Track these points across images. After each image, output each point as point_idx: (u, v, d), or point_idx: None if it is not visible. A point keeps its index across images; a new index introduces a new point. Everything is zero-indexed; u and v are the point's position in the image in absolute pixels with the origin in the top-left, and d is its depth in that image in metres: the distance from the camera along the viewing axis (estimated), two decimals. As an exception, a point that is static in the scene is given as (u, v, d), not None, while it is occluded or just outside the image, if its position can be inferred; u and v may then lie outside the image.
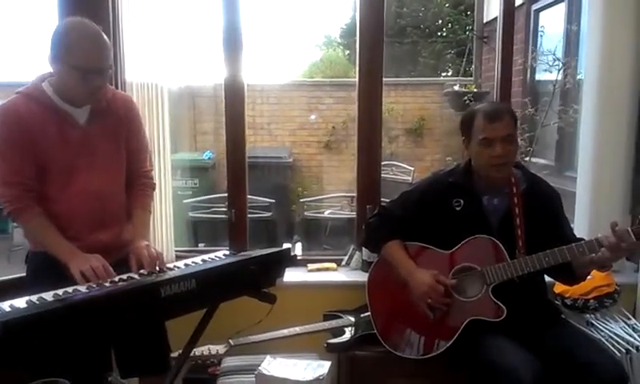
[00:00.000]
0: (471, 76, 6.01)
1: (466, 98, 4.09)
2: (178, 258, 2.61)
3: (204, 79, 6.13)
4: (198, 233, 4.37)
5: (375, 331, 2.09)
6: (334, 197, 5.35)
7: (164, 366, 1.93)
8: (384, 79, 2.58)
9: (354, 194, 2.75)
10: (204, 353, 2.00)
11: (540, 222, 1.93)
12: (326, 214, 4.98)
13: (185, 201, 4.62)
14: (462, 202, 1.99)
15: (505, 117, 1.88)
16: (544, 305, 2.03)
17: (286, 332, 2.07)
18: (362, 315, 2.20)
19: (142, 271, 1.68)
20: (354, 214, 2.82)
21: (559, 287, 2.34)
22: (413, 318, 1.99)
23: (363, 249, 2.56)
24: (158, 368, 1.92)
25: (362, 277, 2.52)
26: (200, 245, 4.25)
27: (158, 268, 1.70)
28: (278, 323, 1.99)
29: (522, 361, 1.73)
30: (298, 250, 3.05)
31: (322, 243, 4.69)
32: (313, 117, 6.73)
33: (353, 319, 2.24)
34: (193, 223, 4.35)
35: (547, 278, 2.06)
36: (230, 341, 2.04)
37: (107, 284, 1.57)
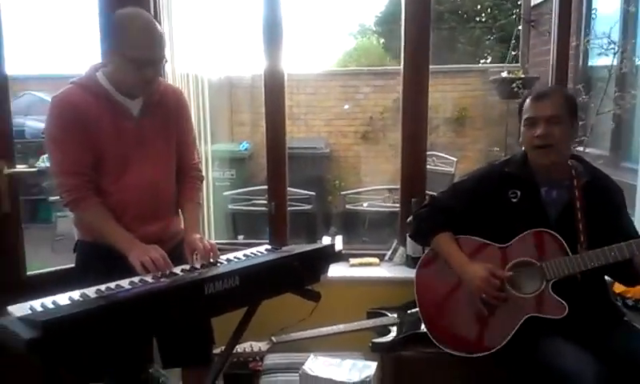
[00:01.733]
0: (515, 62, 5.78)
1: (514, 84, 3.91)
2: (219, 250, 2.59)
3: (242, 70, 6.12)
4: (237, 225, 4.35)
5: (423, 330, 2.00)
6: (376, 189, 5.24)
7: (206, 358, 1.92)
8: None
9: (397, 186, 2.65)
10: (246, 349, 1.97)
11: (601, 217, 1.82)
12: (365, 206, 4.87)
13: (224, 193, 4.60)
14: (518, 193, 1.89)
15: (552, 96, 1.80)
16: (606, 304, 1.90)
17: (329, 330, 2.01)
18: (409, 312, 2.11)
19: (183, 267, 1.66)
20: (395, 207, 2.73)
21: (619, 287, 2.20)
22: (465, 314, 1.90)
23: (407, 243, 2.47)
24: (200, 360, 1.91)
25: (406, 273, 2.44)
26: (239, 237, 4.23)
27: (212, 260, 1.69)
28: (319, 320, 1.93)
29: (584, 364, 1.63)
30: (338, 243, 2.97)
31: (360, 236, 4.60)
32: (347, 106, 6.62)
33: (398, 317, 2.16)
34: (232, 215, 4.33)
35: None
36: (273, 338, 1.99)
37: (150, 280, 1.54)
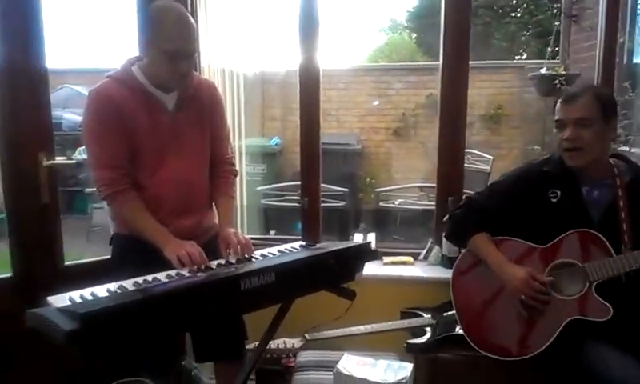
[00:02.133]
0: (553, 58, 5.61)
1: (557, 81, 3.79)
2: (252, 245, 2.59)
3: (274, 65, 6.13)
4: (269, 220, 4.35)
5: (459, 332, 1.94)
6: (411, 186, 5.16)
7: (239, 353, 1.92)
8: None
9: (432, 184, 2.60)
10: (279, 346, 1.95)
11: None
12: (397, 203, 4.80)
13: (257, 188, 4.61)
14: (558, 193, 1.83)
15: (581, 98, 1.74)
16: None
17: (362, 329, 1.98)
18: (445, 314, 2.06)
19: (228, 259, 1.65)
20: (428, 205, 2.67)
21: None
22: (504, 317, 1.85)
23: (443, 243, 2.41)
24: (233, 355, 1.91)
25: (441, 273, 2.39)
26: (271, 232, 4.24)
27: (246, 255, 1.68)
28: (352, 318, 1.90)
29: (629, 370, 1.57)
30: (371, 241, 2.93)
31: (391, 234, 4.54)
32: (376, 102, 6.55)
33: (433, 318, 2.11)
34: (264, 210, 4.33)
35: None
36: (306, 335, 1.97)
37: (187, 274, 1.53)
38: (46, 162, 2.07)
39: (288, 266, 1.54)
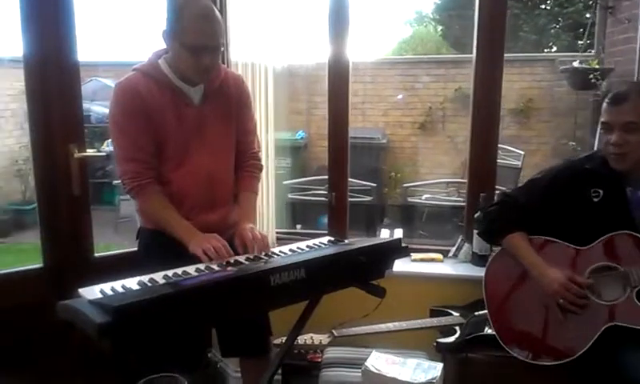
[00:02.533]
0: (584, 51, 5.44)
1: (592, 75, 3.66)
2: (279, 239, 2.58)
3: (298, 58, 6.10)
4: (296, 214, 4.33)
5: (490, 332, 1.90)
6: (441, 182, 5.07)
7: (265, 348, 1.91)
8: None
9: (461, 180, 2.54)
10: (306, 342, 1.93)
11: None
12: (424, 199, 4.73)
13: (284, 182, 4.59)
14: (600, 192, 1.76)
15: (630, 100, 1.66)
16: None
17: (391, 326, 1.95)
18: (476, 314, 2.01)
19: (248, 255, 1.63)
20: (457, 201, 2.61)
21: None
22: (539, 320, 1.79)
23: (474, 240, 2.36)
24: (259, 350, 1.90)
25: (471, 271, 2.34)
26: (297, 226, 4.22)
27: (263, 252, 1.64)
28: (380, 315, 1.86)
29: None
30: (398, 237, 2.89)
31: (416, 229, 4.48)
32: (400, 96, 6.46)
33: (463, 317, 2.06)
34: (291, 204, 4.31)
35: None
36: (334, 331, 1.95)
37: (216, 268, 1.52)
38: (77, 154, 2.10)
39: (318, 261, 1.52)
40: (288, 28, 2.74)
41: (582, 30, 9.17)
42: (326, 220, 2.59)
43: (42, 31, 1.99)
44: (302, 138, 6.11)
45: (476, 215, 2.30)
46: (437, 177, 5.57)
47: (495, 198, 2.10)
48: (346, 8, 2.38)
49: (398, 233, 2.97)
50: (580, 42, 5.61)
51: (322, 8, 2.41)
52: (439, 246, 2.61)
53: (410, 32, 12.71)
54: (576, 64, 4.29)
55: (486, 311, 1.92)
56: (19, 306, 1.97)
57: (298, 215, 4.35)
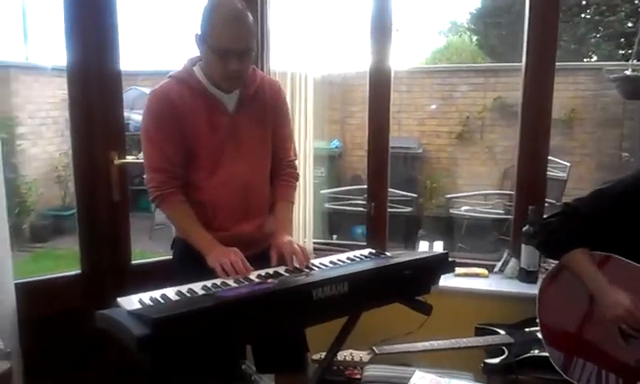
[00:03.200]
0: (626, 60, 5.23)
1: (647, 84, 3.51)
2: (316, 250, 2.52)
3: (333, 67, 6.07)
4: (332, 224, 4.25)
5: (543, 354, 1.78)
6: (484, 194, 4.91)
7: (301, 365, 1.83)
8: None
9: (508, 192, 2.43)
10: (346, 358, 1.86)
11: None
12: (463, 210, 4.58)
13: (321, 191, 4.53)
14: None
15: None
16: None
17: (435, 344, 1.85)
18: (526, 331, 1.90)
19: (286, 268, 1.58)
20: (499, 213, 2.49)
21: None
22: (596, 342, 1.67)
23: (522, 255, 2.24)
24: (295, 367, 1.82)
25: (519, 287, 2.23)
26: (333, 237, 4.15)
27: (304, 265, 1.58)
28: (421, 332, 1.77)
29: None
30: (438, 250, 2.79)
31: (454, 242, 4.34)
32: (434, 106, 6.34)
33: (511, 336, 1.96)
34: (328, 214, 4.23)
35: None
36: (375, 348, 1.87)
37: (255, 279, 1.48)
38: (117, 161, 2.10)
39: (362, 275, 1.45)
40: (325, 37, 2.71)
41: (622, 39, 8.88)
42: (360, 230, 2.54)
43: (86, 40, 2.01)
44: (336, 147, 6.06)
45: (524, 228, 2.20)
46: (475, 188, 5.41)
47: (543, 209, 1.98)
48: (389, 16, 2.33)
49: (438, 246, 2.88)
50: (621, 52, 5.39)
51: (358, 16, 2.38)
52: (481, 260, 2.50)
53: (444, 42, 12.55)
54: (628, 72, 4.11)
55: (536, 329, 1.81)
56: (58, 312, 1.97)
57: (334, 225, 4.26)
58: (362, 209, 3.83)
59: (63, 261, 4.58)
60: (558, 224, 1.76)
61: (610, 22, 9.10)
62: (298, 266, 1.57)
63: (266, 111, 1.76)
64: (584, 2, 9.93)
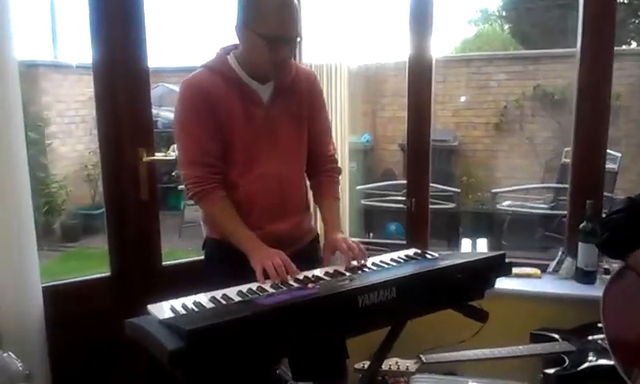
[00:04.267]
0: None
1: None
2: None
3: (364, 59, 5.92)
4: (368, 221, 4.08)
5: (609, 363, 1.62)
6: (531, 188, 4.67)
7: (341, 373, 1.74)
8: (567, 50, 2.12)
9: (559, 185, 2.26)
10: (391, 367, 1.73)
11: None
12: (505, 205, 4.34)
13: (357, 187, 4.37)
14: None
15: None
16: None
17: (488, 353, 1.71)
18: (588, 339, 1.73)
19: (327, 270, 1.46)
20: (542, 208, 2.31)
21: None
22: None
23: (579, 254, 2.06)
24: (334, 375, 1.73)
25: (577, 289, 2.06)
26: (369, 234, 4.00)
27: (362, 263, 1.50)
28: (470, 338, 1.64)
29: None
30: (482, 248, 2.63)
31: (497, 239, 4.11)
32: (463, 98, 6.11)
33: (571, 343, 1.79)
34: (364, 211, 4.07)
35: None
36: (422, 357, 1.73)
37: (295, 284, 1.36)
38: (145, 158, 2.03)
39: (411, 279, 1.32)
40: (359, 26, 2.59)
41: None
42: (393, 227, 2.40)
43: (112, 37, 1.95)
44: (367, 140, 5.92)
45: (582, 225, 2.03)
46: (515, 181, 5.18)
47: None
48: (430, 3, 2.22)
49: (481, 244, 2.72)
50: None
51: (391, 3, 2.25)
52: (531, 258, 2.33)
53: (474, 31, 12.24)
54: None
55: (602, 337, 1.64)
56: (86, 316, 1.92)
57: (370, 223, 4.10)
58: (398, 205, 3.68)
59: (94, 260, 4.57)
60: (624, 221, 1.60)
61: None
62: (355, 263, 1.49)
63: (302, 104, 1.66)
64: (622, -13, 9.55)
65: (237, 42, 1.59)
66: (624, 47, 8.32)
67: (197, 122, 1.55)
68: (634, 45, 9.26)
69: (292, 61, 1.65)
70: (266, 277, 1.42)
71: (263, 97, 1.61)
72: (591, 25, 2.04)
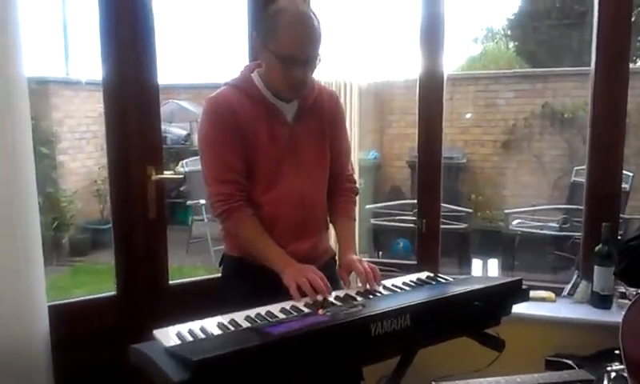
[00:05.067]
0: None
1: None
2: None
3: (370, 76, 5.93)
4: (377, 241, 4.03)
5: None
6: (546, 209, 4.59)
7: None
8: (576, 68, 2.08)
9: (574, 206, 2.21)
10: (402, 395, 1.66)
11: None
12: (515, 225, 4.27)
13: (367, 206, 4.32)
14: None
15: None
16: None
17: (502, 381, 1.66)
18: (608, 369, 1.68)
19: (337, 294, 1.44)
20: (553, 228, 2.26)
21: None
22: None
23: (595, 277, 2.01)
24: None
25: (593, 314, 2.00)
26: (378, 254, 3.95)
27: (375, 286, 1.48)
28: (483, 363, 1.58)
29: None
30: (493, 269, 2.58)
31: (508, 261, 4.03)
32: (468, 115, 6.09)
33: (589, 372, 1.73)
34: (373, 230, 4.02)
35: None
36: (434, 384, 1.68)
37: (304, 309, 1.32)
38: (154, 176, 2.00)
39: (425, 306, 1.28)
40: (369, 44, 2.59)
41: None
42: (401, 244, 2.36)
43: (122, 54, 1.93)
44: (375, 157, 5.89)
45: (598, 247, 1.98)
46: (523, 199, 5.13)
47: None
48: (441, 20, 2.20)
49: (492, 264, 2.66)
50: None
51: (400, 21, 2.24)
52: (545, 281, 2.28)
53: (480, 49, 12.27)
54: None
55: (621, 366, 1.59)
56: (92, 336, 1.87)
57: (379, 242, 4.05)
58: (406, 225, 3.63)
59: (102, 275, 4.55)
60: None
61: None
62: (369, 287, 1.47)
63: (324, 123, 1.66)
64: (630, 5, 9.54)
65: (258, 56, 1.59)
66: (631, 66, 8.31)
67: (222, 139, 1.54)
68: (638, 63, 9.24)
69: (314, 80, 1.64)
70: (302, 294, 1.40)
71: (287, 116, 1.60)
72: (606, 43, 2.01)
